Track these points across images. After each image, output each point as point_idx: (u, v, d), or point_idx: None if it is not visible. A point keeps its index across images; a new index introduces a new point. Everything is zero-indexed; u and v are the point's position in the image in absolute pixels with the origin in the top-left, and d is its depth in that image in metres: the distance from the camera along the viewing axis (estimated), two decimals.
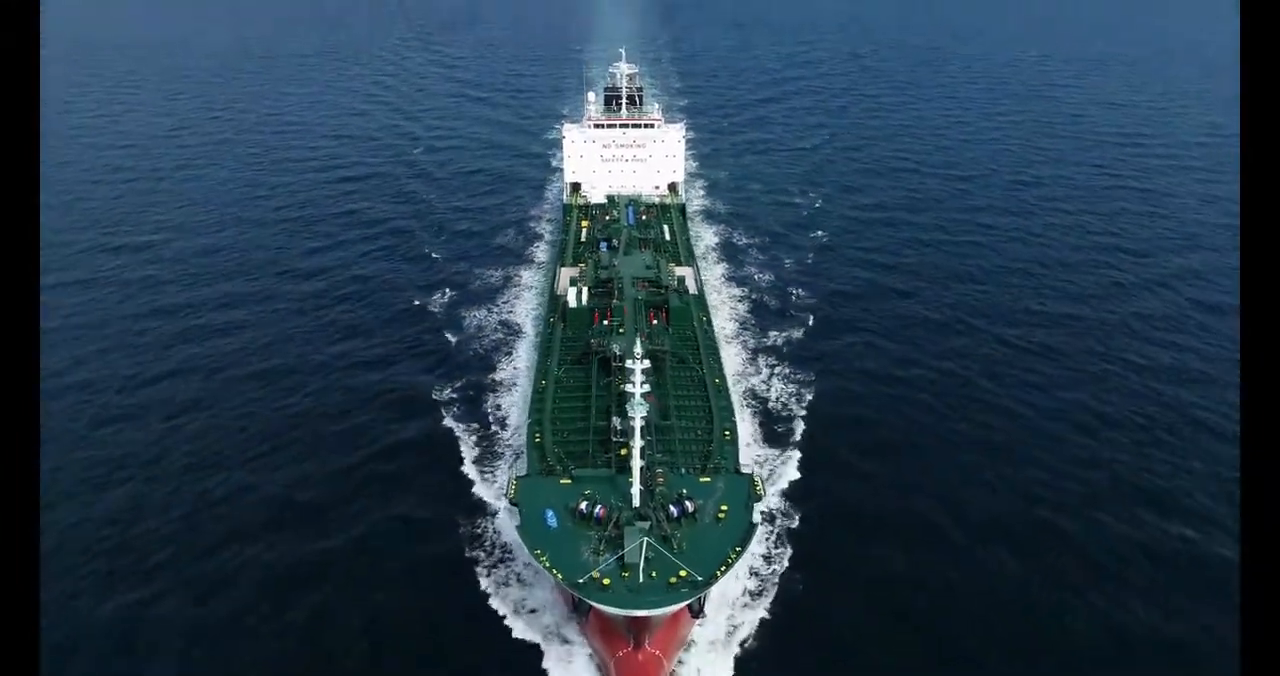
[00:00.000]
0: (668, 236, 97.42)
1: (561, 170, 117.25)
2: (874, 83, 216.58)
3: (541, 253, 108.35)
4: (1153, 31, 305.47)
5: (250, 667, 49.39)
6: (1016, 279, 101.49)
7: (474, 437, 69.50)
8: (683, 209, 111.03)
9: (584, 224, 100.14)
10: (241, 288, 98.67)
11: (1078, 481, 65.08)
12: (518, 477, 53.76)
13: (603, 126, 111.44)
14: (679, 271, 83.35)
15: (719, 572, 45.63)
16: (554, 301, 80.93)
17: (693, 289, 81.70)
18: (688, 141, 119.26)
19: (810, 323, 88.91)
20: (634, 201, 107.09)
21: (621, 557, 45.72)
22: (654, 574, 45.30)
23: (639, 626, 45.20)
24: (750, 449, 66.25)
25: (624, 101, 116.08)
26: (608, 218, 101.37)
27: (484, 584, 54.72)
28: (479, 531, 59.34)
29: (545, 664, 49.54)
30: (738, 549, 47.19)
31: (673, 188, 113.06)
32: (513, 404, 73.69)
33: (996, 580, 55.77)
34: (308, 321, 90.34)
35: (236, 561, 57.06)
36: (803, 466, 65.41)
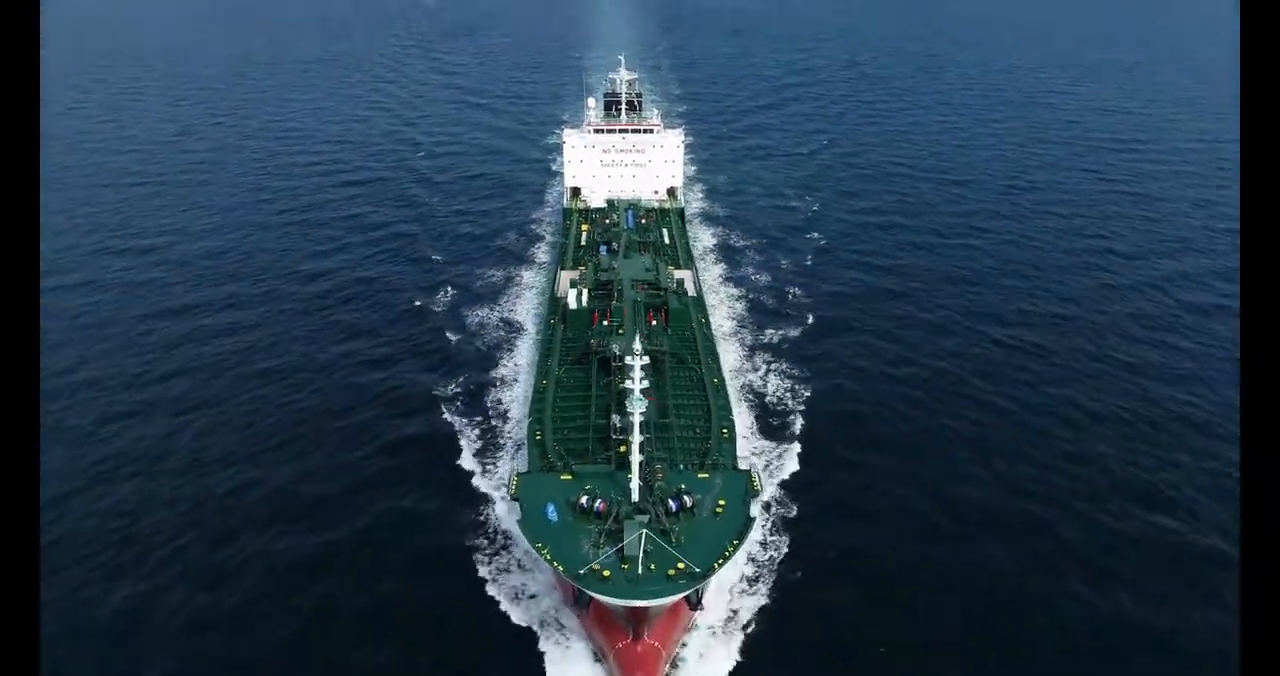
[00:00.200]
0: (667, 240, 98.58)
1: (561, 175, 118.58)
2: (871, 89, 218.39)
3: (542, 254, 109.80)
4: (1146, 39, 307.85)
5: (258, 654, 50.60)
6: (1009, 280, 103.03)
7: (476, 431, 71.02)
8: (682, 213, 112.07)
9: (584, 228, 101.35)
10: (247, 289, 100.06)
11: (1066, 475, 66.55)
12: (519, 474, 54.67)
13: (603, 132, 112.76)
14: (678, 274, 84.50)
15: (717, 564, 46.41)
16: (554, 303, 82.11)
17: (691, 291, 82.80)
18: (687, 146, 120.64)
19: (806, 322, 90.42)
20: (633, 206, 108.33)
21: (621, 550, 46.57)
22: (653, 566, 46.08)
23: (638, 618, 46.06)
24: (747, 441, 67.76)
25: (624, 107, 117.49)
26: (607, 221, 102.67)
27: (484, 572, 56.15)
28: (480, 521, 60.82)
29: (542, 647, 50.91)
30: (735, 542, 47.97)
31: (672, 192, 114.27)
32: (513, 399, 75.15)
33: (986, 569, 57.19)
34: (312, 321, 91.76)
35: (244, 552, 58.37)
36: (799, 459, 66.89)
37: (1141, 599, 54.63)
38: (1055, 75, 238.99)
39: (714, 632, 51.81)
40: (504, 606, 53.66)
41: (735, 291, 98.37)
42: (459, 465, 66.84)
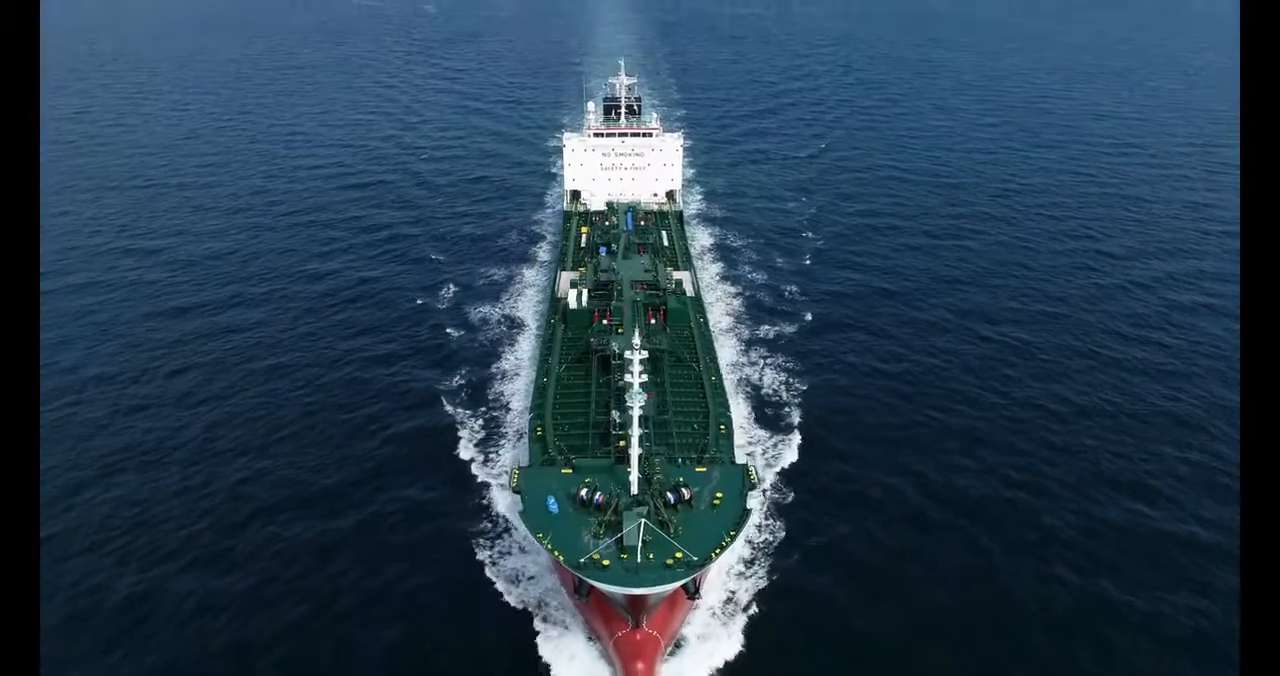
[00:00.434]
0: (665, 242, 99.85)
1: (561, 178, 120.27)
2: (868, 95, 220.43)
3: (543, 253, 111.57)
4: (1141, 46, 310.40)
5: (267, 634, 52.35)
6: (999, 280, 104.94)
7: (479, 422, 73.02)
8: (680, 215, 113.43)
9: (584, 230, 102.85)
10: (253, 288, 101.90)
11: (1052, 466, 68.49)
12: (520, 467, 55.86)
13: (602, 135, 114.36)
14: (677, 275, 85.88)
15: (714, 554, 47.31)
16: (554, 303, 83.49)
17: (690, 292, 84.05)
18: (685, 150, 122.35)
19: (802, 319, 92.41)
20: (633, 208, 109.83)
21: (620, 540, 47.47)
22: (651, 555, 46.91)
23: (637, 606, 47.00)
24: (744, 430, 69.74)
25: (623, 111, 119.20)
26: (607, 224, 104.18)
27: (485, 556, 58.13)
28: (483, 507, 62.65)
29: (536, 625, 52.89)
30: (732, 533, 48.77)
31: (670, 195, 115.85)
32: (514, 392, 77.04)
33: (974, 554, 58.99)
34: (318, 319, 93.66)
35: (254, 538, 60.21)
36: (793, 448, 68.89)
37: (1123, 583, 56.43)
38: (1046, 80, 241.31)
39: (713, 613, 53.51)
40: (503, 587, 55.58)
41: (733, 289, 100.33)
42: (462, 455, 68.72)
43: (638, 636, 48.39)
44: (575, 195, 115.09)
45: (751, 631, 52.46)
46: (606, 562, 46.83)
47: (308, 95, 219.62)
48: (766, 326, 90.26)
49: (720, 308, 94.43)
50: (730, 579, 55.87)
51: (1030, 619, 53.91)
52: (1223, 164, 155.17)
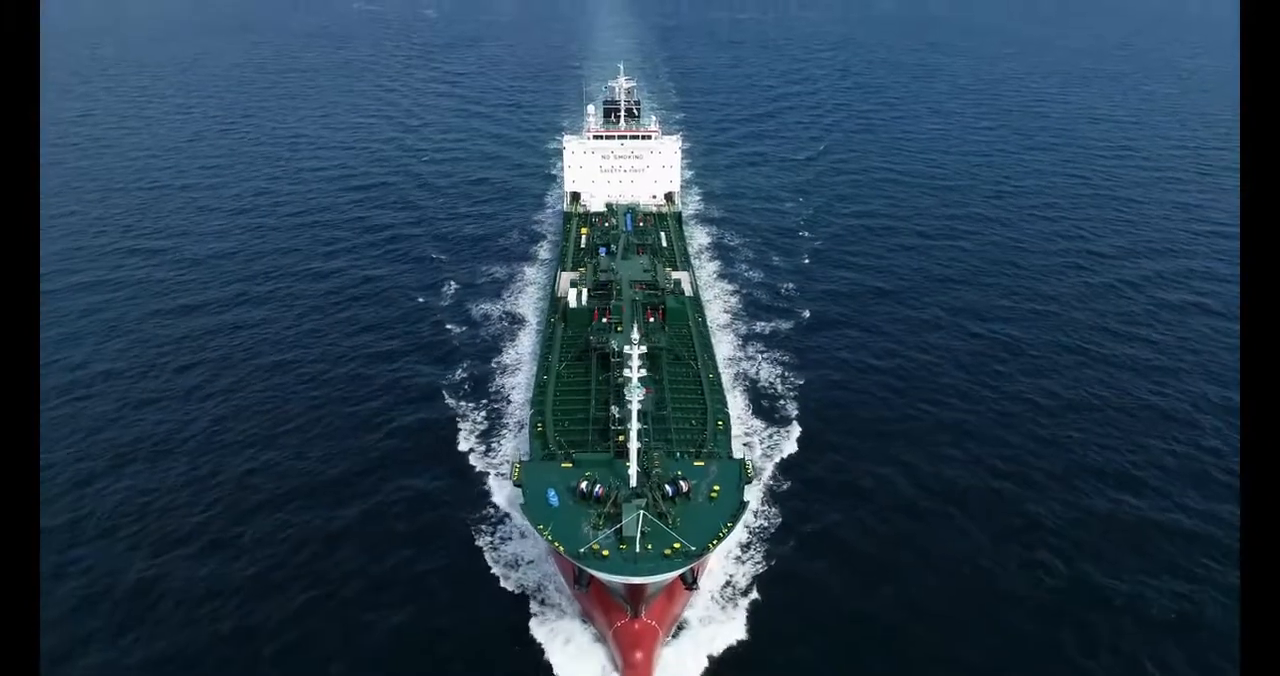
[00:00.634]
0: (664, 243, 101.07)
1: (561, 180, 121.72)
2: (866, 99, 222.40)
3: (543, 252, 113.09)
4: (1138, 50, 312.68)
5: (275, 619, 53.83)
6: (991, 279, 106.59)
7: (479, 416, 74.74)
8: (679, 217, 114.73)
9: (584, 231, 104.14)
10: (258, 287, 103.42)
11: (1040, 457, 70.07)
12: (521, 462, 56.95)
13: (602, 138, 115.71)
14: (675, 275, 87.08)
15: (712, 544, 48.23)
16: (554, 302, 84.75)
17: (688, 292, 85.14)
18: (684, 152, 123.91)
19: (799, 316, 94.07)
20: (632, 209, 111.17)
21: (619, 531, 48.34)
22: (650, 545, 47.74)
23: (636, 596, 47.85)
24: (741, 422, 71.44)
25: (622, 114, 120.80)
26: (607, 225, 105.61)
27: (485, 542, 59.77)
28: (484, 497, 64.17)
29: (532, 608, 54.53)
30: (729, 524, 49.71)
31: (669, 197, 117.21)
32: (514, 386, 78.71)
33: (963, 541, 60.58)
34: (322, 317, 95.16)
35: (260, 526, 61.68)
36: (790, 440, 70.58)
37: (1107, 568, 58.02)
38: (1045, 84, 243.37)
39: (713, 597, 55.04)
40: (500, 572, 57.20)
41: (730, 287, 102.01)
42: (462, 447, 70.38)
43: (636, 626, 49.24)
44: (575, 197, 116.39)
45: (749, 615, 53.88)
46: (606, 553, 47.60)
47: (310, 98, 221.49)
48: (763, 323, 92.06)
49: (718, 305, 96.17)
50: (729, 563, 57.43)
51: (1018, 603, 55.37)
52: (1214, 166, 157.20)
